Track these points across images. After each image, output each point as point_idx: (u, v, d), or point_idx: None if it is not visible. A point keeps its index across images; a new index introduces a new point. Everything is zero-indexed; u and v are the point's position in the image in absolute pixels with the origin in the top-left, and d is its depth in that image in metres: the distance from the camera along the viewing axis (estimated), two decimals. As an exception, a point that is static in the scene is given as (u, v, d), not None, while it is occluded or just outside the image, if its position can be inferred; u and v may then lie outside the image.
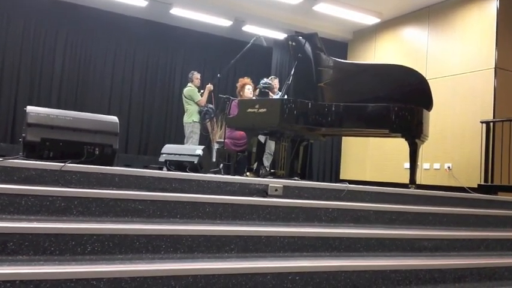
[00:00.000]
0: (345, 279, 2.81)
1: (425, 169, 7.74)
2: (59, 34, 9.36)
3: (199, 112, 7.31)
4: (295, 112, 4.79)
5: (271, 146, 6.28)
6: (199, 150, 4.42)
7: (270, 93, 6.28)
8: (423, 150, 7.10)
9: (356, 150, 9.30)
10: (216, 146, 6.82)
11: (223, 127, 7.69)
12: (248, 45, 6.27)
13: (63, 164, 2.87)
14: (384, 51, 9.05)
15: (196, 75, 7.57)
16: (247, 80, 6.45)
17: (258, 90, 6.39)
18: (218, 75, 7.22)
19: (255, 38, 6.37)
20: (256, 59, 10.33)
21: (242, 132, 5.80)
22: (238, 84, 6.46)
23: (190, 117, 7.31)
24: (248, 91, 6.31)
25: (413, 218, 3.75)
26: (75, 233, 2.38)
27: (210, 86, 7.38)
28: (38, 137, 3.25)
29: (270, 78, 6.85)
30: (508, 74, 7.00)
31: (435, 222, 3.84)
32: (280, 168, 5.17)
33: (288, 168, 5.58)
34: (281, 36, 9.32)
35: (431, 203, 4.11)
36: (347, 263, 2.93)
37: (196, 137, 7.31)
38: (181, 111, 7.61)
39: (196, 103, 7.29)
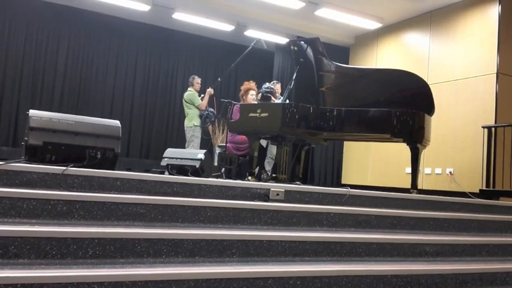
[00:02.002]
0: (346, 284, 2.80)
1: (427, 174, 7.73)
2: (61, 38, 9.39)
3: (200, 116, 7.32)
4: (296, 116, 4.79)
5: (272, 150, 6.27)
6: (201, 154, 4.42)
7: (272, 98, 6.28)
8: (425, 155, 7.08)
9: (358, 154, 9.30)
10: (217, 150, 6.82)
11: (225, 131, 7.72)
12: (248, 49, 6.28)
13: (65, 168, 2.87)
14: (385, 56, 9.06)
15: (197, 80, 7.59)
16: (252, 84, 6.37)
17: (260, 94, 6.39)
18: (219, 79, 7.24)
19: (255, 41, 6.38)
20: (258, 63, 10.37)
21: (244, 137, 5.80)
22: (243, 88, 6.39)
23: (191, 121, 7.33)
24: (252, 97, 6.26)
25: (415, 222, 3.75)
26: (77, 236, 2.39)
27: (210, 90, 7.40)
28: (40, 140, 3.26)
29: (272, 82, 6.84)
30: (509, 79, 7.01)
31: (436, 227, 3.84)
32: (281, 173, 5.18)
33: (290, 172, 5.58)
34: (283, 40, 9.35)
35: (432, 208, 4.10)
36: (348, 267, 2.93)
37: (197, 141, 7.32)
38: (183, 116, 7.63)
39: (197, 107, 7.31)
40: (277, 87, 6.89)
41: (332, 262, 3.03)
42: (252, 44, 6.32)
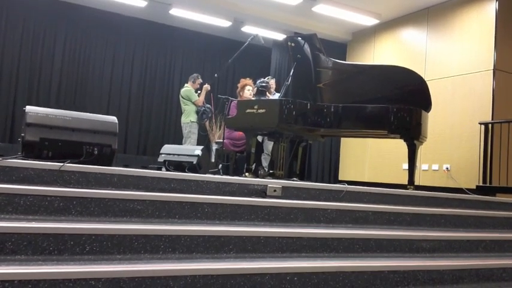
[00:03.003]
0: (343, 280, 2.81)
1: (424, 170, 7.74)
2: (58, 34, 9.36)
3: (197, 112, 7.31)
4: (294, 113, 4.79)
5: (268, 146, 6.28)
6: (198, 150, 4.42)
7: (267, 93, 6.31)
8: (422, 151, 7.12)
9: (355, 151, 9.31)
10: (215, 147, 6.82)
11: (222, 127, 7.71)
12: (245, 44, 6.26)
13: (62, 164, 2.87)
14: (382, 53, 9.05)
15: (200, 80, 7.59)
16: (248, 81, 6.42)
17: (255, 89, 6.41)
18: (216, 75, 7.21)
19: (252, 36, 6.37)
20: (255, 59, 10.35)
21: (241, 133, 5.81)
22: (239, 85, 6.45)
23: (188, 117, 7.32)
24: (248, 92, 6.30)
25: (412, 219, 3.76)
26: (74, 233, 2.38)
27: (207, 86, 7.39)
28: (37, 136, 3.25)
29: (267, 78, 6.87)
30: (506, 76, 7.02)
31: (433, 223, 3.85)
32: (279, 169, 5.18)
33: (287, 168, 5.59)
34: (280, 36, 9.33)
35: (429, 204, 4.11)
36: (345, 263, 2.93)
37: (195, 137, 7.31)
38: (180, 112, 7.62)
39: (194, 103, 7.29)
40: (272, 82, 6.93)
41: (329, 258, 3.04)
42: (249, 40, 6.30)
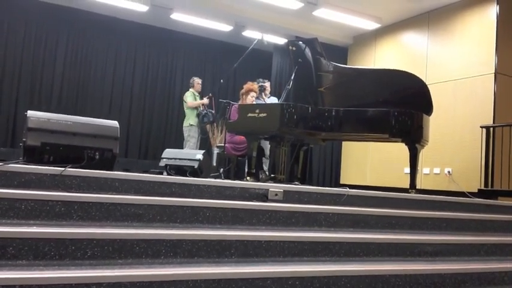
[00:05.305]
0: (345, 284, 2.80)
1: (425, 174, 7.73)
2: (60, 39, 9.38)
3: (198, 115, 7.32)
4: (295, 117, 4.79)
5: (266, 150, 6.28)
6: (199, 154, 4.42)
7: (262, 95, 6.40)
8: (423, 154, 7.10)
9: (356, 154, 9.30)
10: (216, 151, 6.83)
11: (223, 132, 7.72)
12: (250, 48, 6.25)
13: (63, 169, 2.87)
14: (383, 56, 9.06)
15: (197, 81, 7.63)
16: (255, 86, 6.35)
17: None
18: (221, 80, 7.19)
19: (256, 40, 6.38)
20: (256, 63, 10.35)
21: (242, 137, 5.80)
22: (245, 87, 6.32)
23: (187, 121, 7.35)
24: (252, 98, 6.24)
25: (413, 222, 3.75)
26: (75, 237, 2.38)
27: (206, 101, 7.45)
28: (38, 141, 3.25)
29: (263, 80, 6.98)
30: (507, 79, 7.01)
31: (435, 227, 3.84)
32: (280, 173, 5.17)
33: (288, 172, 5.58)
34: (281, 41, 9.35)
35: (431, 208, 4.11)
36: (347, 267, 2.93)
37: (194, 140, 7.32)
38: (181, 116, 7.65)
39: (186, 103, 7.33)
40: (267, 85, 6.99)
41: (331, 262, 3.03)
42: (254, 42, 6.29)
